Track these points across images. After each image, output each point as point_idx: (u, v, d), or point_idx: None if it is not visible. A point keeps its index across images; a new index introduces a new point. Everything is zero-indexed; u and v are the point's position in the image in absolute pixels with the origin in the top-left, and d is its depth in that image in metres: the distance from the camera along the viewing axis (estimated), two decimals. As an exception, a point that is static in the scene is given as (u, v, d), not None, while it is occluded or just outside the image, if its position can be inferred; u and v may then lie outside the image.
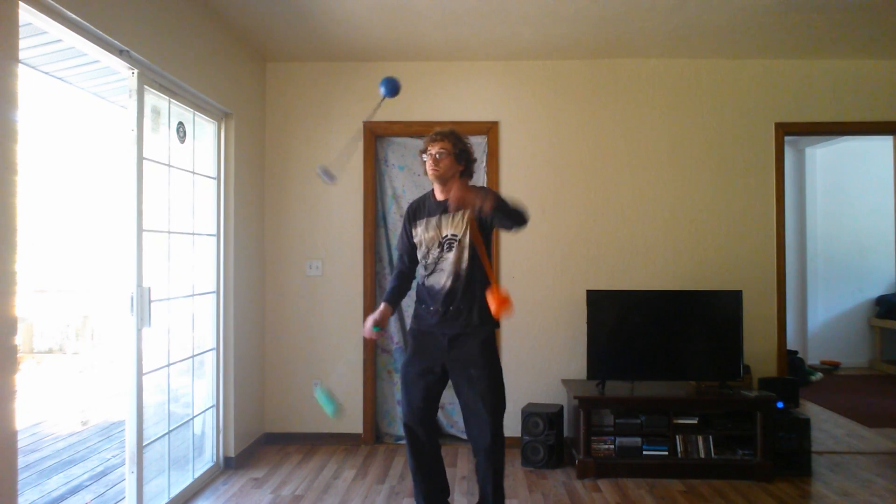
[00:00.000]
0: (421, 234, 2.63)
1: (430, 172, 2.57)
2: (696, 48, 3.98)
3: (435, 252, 2.58)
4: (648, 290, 3.94)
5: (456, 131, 2.59)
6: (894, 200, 5.24)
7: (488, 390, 2.55)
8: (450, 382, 2.67)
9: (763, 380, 3.84)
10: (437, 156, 2.53)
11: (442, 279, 2.57)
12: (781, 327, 4.12)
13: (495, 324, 2.61)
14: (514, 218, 2.40)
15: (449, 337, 2.57)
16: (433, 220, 2.61)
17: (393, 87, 2.51)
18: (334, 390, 4.18)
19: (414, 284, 2.81)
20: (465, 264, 2.54)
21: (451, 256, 2.55)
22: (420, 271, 2.69)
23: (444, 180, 2.57)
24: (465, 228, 2.53)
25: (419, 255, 2.66)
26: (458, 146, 2.55)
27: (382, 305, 2.65)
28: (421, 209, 2.68)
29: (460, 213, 2.53)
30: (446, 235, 2.56)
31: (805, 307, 6.86)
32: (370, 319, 2.59)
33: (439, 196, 2.63)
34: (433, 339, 2.61)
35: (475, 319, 2.56)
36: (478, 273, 2.56)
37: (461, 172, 2.60)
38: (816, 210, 6.91)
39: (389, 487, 3.40)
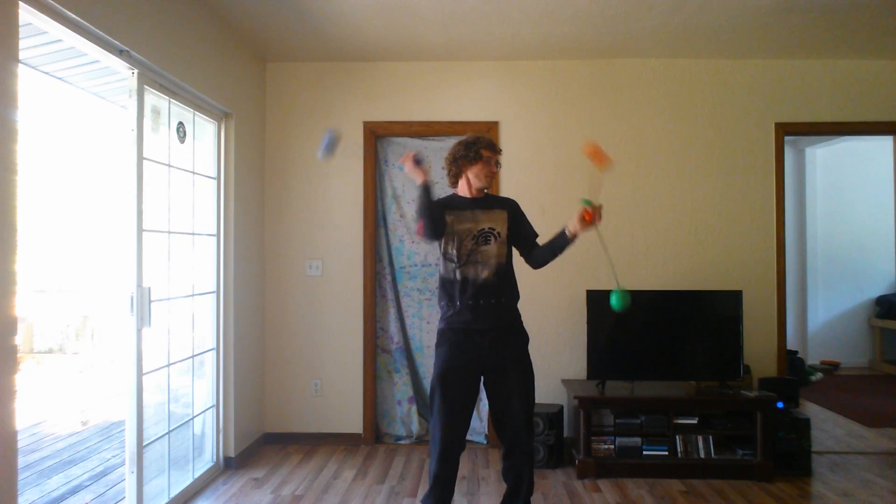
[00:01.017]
0: (453, 223, 2.60)
1: (487, 177, 2.64)
2: (696, 48, 3.99)
3: (469, 244, 2.57)
4: (648, 290, 3.94)
5: None
6: (894, 200, 5.24)
7: (526, 394, 2.58)
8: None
9: (763, 380, 3.85)
10: (494, 165, 2.65)
11: (481, 272, 2.56)
12: (781, 327, 4.12)
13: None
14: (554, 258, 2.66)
15: (490, 338, 2.55)
16: (467, 213, 2.62)
17: (330, 144, 2.59)
18: (337, 390, 4.19)
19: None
20: (504, 259, 2.61)
21: (488, 250, 2.57)
22: (447, 265, 2.60)
23: (478, 189, 2.66)
24: (504, 226, 2.61)
25: (449, 245, 2.59)
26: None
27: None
28: (453, 203, 2.68)
29: (497, 209, 2.64)
30: (483, 228, 2.59)
31: (805, 307, 6.86)
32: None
33: (467, 194, 2.67)
34: (471, 343, 2.56)
35: (515, 314, 2.65)
36: (511, 269, 2.66)
37: None
38: (816, 210, 6.91)
39: (389, 487, 3.40)
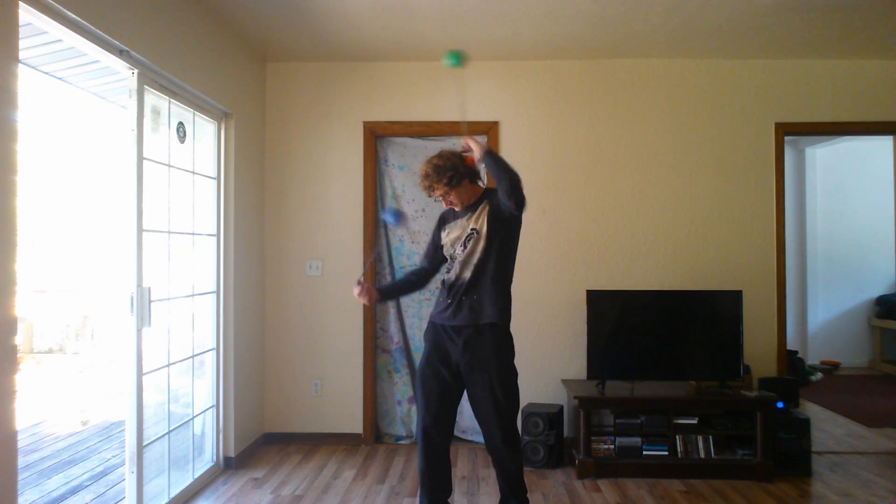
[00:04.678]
0: (448, 234, 2.71)
1: (450, 206, 2.70)
2: (696, 48, 3.98)
3: (459, 248, 2.63)
4: (648, 290, 3.94)
5: (434, 160, 2.60)
6: (894, 200, 5.23)
7: (501, 394, 2.55)
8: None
9: (763, 380, 3.85)
10: (443, 199, 2.66)
11: (463, 271, 2.62)
12: (781, 327, 4.12)
13: (508, 319, 2.63)
14: (505, 172, 2.45)
15: (464, 338, 2.57)
16: (460, 221, 2.67)
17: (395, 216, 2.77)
18: (335, 389, 4.19)
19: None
20: (480, 255, 2.58)
21: (471, 249, 2.60)
22: (444, 274, 2.74)
23: (465, 204, 2.65)
24: (483, 221, 2.58)
25: (448, 256, 2.71)
26: (443, 176, 2.55)
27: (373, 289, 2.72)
28: (450, 216, 2.76)
29: (481, 205, 2.62)
30: (469, 232, 2.62)
31: (805, 307, 6.86)
32: (360, 287, 2.63)
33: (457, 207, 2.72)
34: (449, 340, 2.62)
35: (494, 313, 2.55)
36: (493, 265, 2.57)
37: (469, 180, 2.65)
38: (816, 210, 6.91)
39: (389, 487, 3.40)
